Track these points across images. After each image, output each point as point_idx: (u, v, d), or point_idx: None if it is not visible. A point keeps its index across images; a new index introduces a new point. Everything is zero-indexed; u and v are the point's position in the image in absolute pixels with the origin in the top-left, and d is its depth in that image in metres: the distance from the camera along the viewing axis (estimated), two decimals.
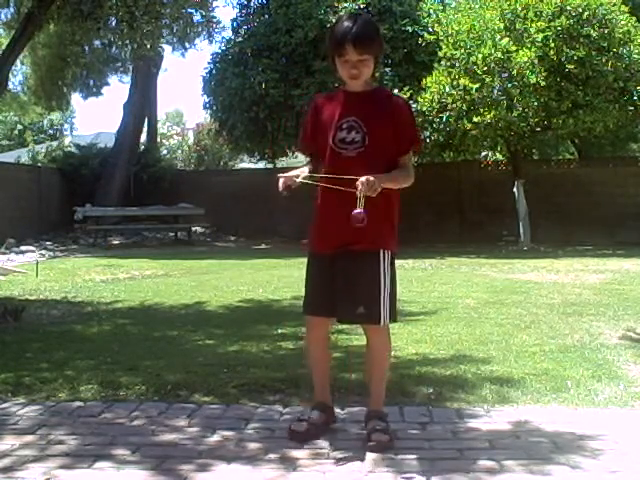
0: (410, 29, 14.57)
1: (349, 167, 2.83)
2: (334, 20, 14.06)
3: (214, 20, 13.80)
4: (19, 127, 36.80)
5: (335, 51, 2.85)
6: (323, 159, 2.97)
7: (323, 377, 3.12)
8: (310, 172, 3.01)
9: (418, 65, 14.58)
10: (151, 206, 17.63)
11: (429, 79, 13.63)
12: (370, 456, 2.72)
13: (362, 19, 2.89)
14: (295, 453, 2.77)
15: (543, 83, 12.56)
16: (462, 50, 13.13)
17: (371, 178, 2.72)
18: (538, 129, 14.18)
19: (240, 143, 16.36)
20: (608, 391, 3.57)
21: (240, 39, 15.98)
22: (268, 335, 5.14)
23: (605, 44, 12.80)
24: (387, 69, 14.22)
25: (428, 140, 13.87)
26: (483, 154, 18.99)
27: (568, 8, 12.78)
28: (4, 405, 3.44)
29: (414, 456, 2.72)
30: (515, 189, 14.74)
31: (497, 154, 18.56)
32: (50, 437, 2.97)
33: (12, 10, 14.83)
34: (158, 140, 24.09)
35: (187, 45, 17.04)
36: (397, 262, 3.03)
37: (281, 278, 8.99)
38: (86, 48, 18.60)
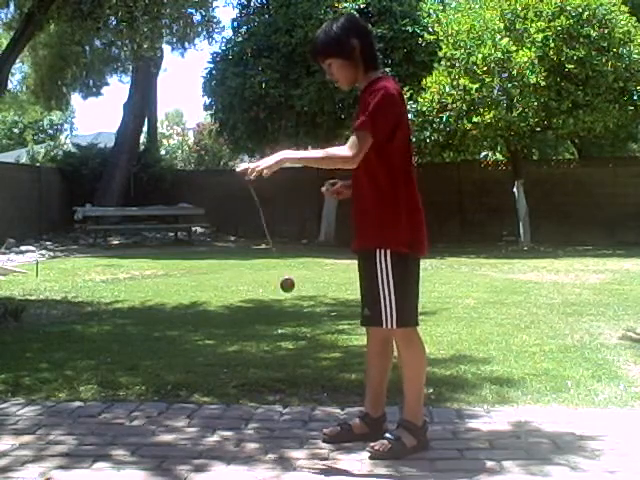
0: (410, 29, 14.56)
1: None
2: None
3: (214, 20, 13.81)
4: (19, 126, 36.74)
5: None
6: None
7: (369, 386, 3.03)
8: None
9: (418, 65, 14.57)
10: (151, 206, 17.62)
11: (429, 79, 13.62)
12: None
13: (320, 29, 2.90)
14: (294, 453, 2.77)
15: (543, 83, 12.55)
16: (462, 50, 13.13)
17: (251, 165, 2.76)
18: (538, 129, 14.18)
19: (240, 143, 16.36)
20: (608, 391, 3.56)
21: (240, 39, 15.98)
22: (268, 335, 5.14)
23: (605, 44, 12.80)
24: (387, 69, 14.21)
25: (428, 140, 13.86)
26: (483, 154, 18.97)
27: (568, 8, 12.78)
28: (3, 405, 3.44)
29: (414, 456, 2.72)
30: (515, 189, 14.74)
31: (497, 154, 18.54)
32: (49, 437, 2.97)
33: (12, 10, 14.82)
34: (158, 140, 24.08)
35: (187, 45, 17.06)
36: None
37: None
38: (86, 48, 18.59)
